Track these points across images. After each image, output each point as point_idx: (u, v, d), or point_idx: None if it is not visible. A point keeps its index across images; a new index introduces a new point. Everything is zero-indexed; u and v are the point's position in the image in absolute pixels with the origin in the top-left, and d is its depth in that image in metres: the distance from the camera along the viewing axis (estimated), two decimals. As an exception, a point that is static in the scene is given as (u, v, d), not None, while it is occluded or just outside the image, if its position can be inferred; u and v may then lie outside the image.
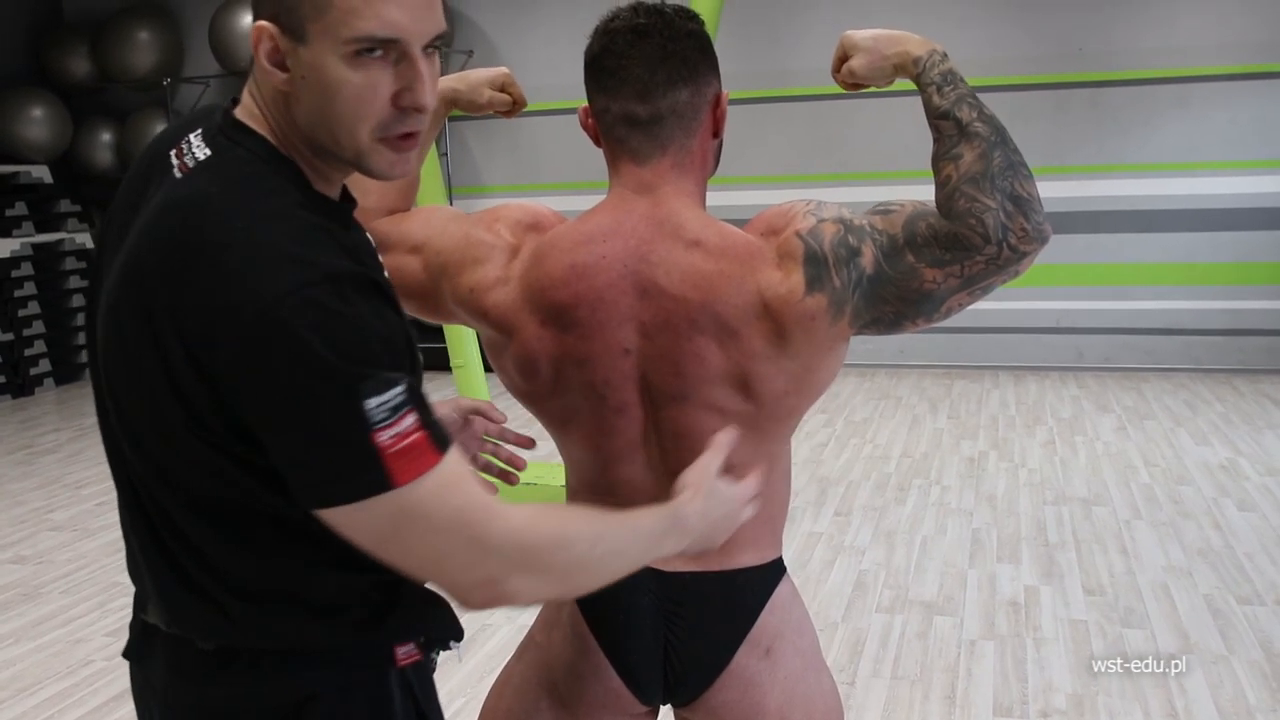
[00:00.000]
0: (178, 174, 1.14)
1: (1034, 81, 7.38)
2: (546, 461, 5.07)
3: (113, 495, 4.35)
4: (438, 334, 6.55)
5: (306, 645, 1.18)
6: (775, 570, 1.56)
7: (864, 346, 7.83)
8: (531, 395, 1.53)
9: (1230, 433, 5.92)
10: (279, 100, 1.14)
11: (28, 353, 7.89)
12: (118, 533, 1.31)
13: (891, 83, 1.55)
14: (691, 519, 1.27)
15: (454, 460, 1.10)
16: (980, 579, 4.02)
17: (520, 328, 1.48)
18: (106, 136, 8.52)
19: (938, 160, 1.42)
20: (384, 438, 1.03)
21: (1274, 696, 3.08)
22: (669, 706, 1.60)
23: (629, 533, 1.23)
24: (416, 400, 1.07)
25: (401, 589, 1.21)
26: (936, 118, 1.43)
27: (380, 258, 1.61)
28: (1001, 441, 5.88)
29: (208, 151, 1.14)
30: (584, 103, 1.51)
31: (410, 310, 1.63)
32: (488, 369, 4.27)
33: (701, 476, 1.30)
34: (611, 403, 1.47)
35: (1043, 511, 4.74)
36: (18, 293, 7.81)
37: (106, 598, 4.10)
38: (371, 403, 1.03)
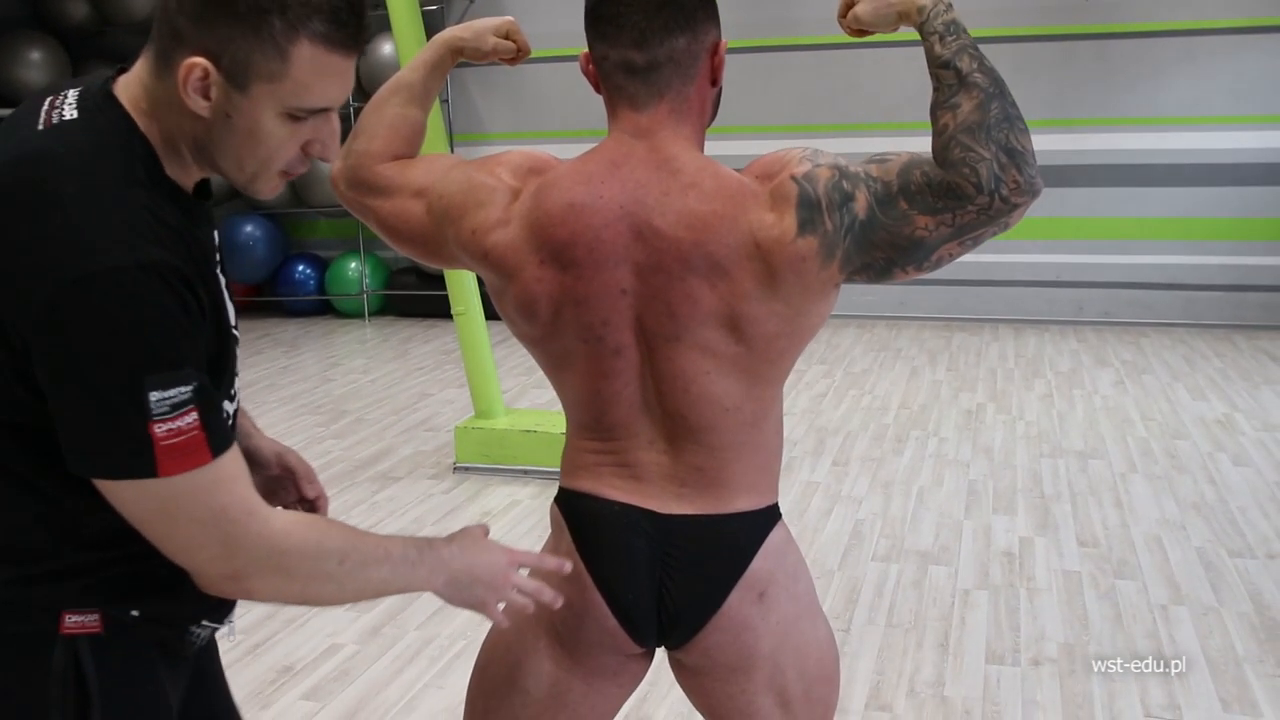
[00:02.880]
0: (40, 126, 1.18)
1: (1040, 33, 7.33)
2: (546, 409, 5.10)
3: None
4: (439, 282, 6.57)
5: None
6: (770, 515, 1.57)
7: (864, 298, 7.84)
8: (532, 338, 1.54)
9: (1227, 388, 5.94)
10: (176, 108, 1.19)
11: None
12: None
13: (895, 30, 1.54)
14: (444, 556, 1.35)
15: (228, 461, 1.16)
16: (976, 529, 4.06)
17: (520, 268, 1.49)
18: (105, 81, 8.47)
19: (936, 109, 1.42)
20: (160, 430, 1.10)
21: (1262, 647, 3.12)
22: (663, 650, 1.62)
23: (380, 555, 1.29)
24: (202, 400, 1.12)
25: (111, 564, 1.22)
26: (937, 67, 1.43)
27: (382, 201, 1.62)
28: (1000, 394, 5.90)
29: (75, 114, 1.19)
30: (586, 49, 1.51)
31: (414, 255, 1.65)
32: (489, 315, 4.28)
33: (471, 529, 1.42)
34: (609, 344, 1.48)
35: (1039, 464, 4.77)
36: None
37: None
38: (154, 395, 1.09)
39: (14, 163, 1.15)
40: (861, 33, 1.57)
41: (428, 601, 3.46)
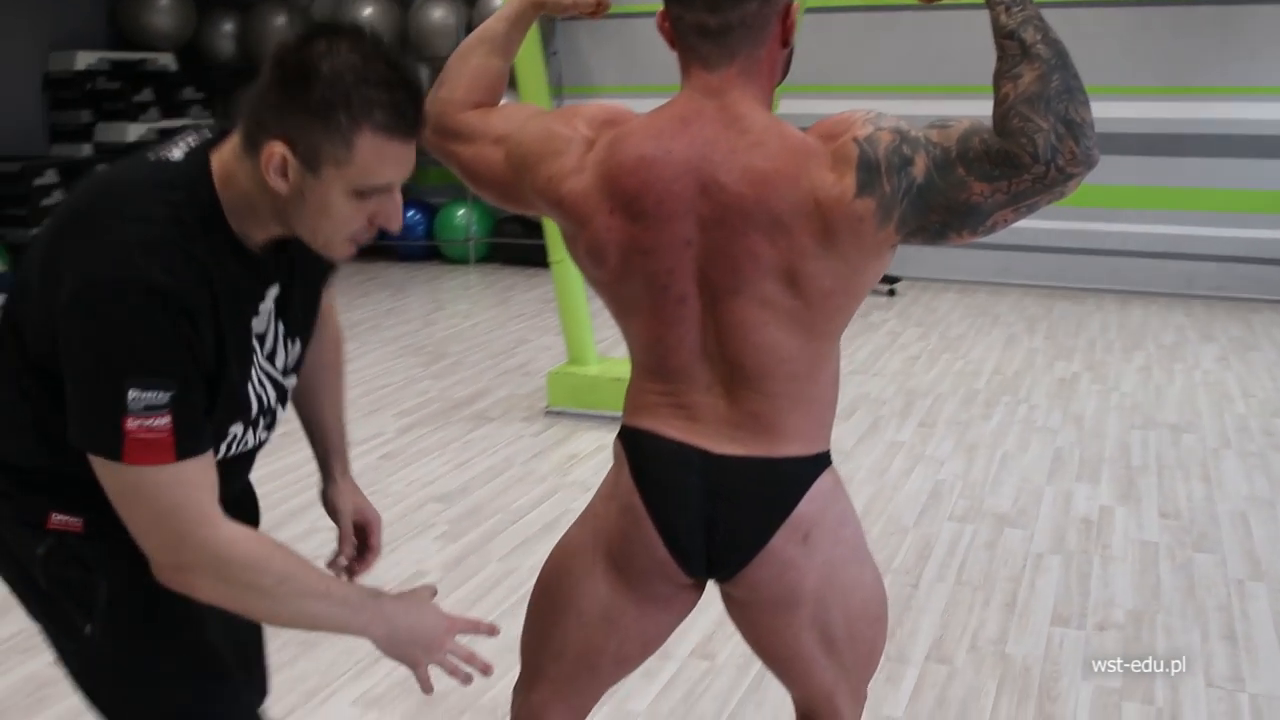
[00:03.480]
0: (152, 156, 1.44)
1: (1160, -4, 7.14)
2: (607, 355, 5.20)
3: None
4: (537, 231, 6.71)
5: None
6: (819, 462, 1.64)
7: (966, 263, 7.78)
8: (601, 282, 1.63)
9: (1336, 367, 5.79)
10: (258, 181, 1.39)
11: (152, 233, 8.23)
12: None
13: None
14: (388, 610, 1.49)
15: (192, 466, 1.36)
16: (1056, 495, 4.06)
17: (591, 216, 1.58)
18: (229, 26, 8.74)
19: (998, 78, 1.46)
20: (131, 424, 1.31)
21: (1338, 626, 3.11)
22: (713, 583, 1.72)
23: (320, 590, 1.45)
24: (180, 412, 1.33)
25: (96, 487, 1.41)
26: (1002, 36, 1.47)
27: (463, 147, 1.72)
28: (1097, 364, 5.84)
29: (178, 156, 1.44)
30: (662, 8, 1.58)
31: (492, 199, 1.75)
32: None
33: (419, 591, 1.58)
34: (673, 292, 1.56)
35: (1129, 435, 4.74)
36: (144, 175, 8.13)
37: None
38: (132, 394, 1.30)
39: (115, 179, 1.43)
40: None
41: (511, 536, 3.61)
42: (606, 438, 4.62)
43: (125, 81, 8.09)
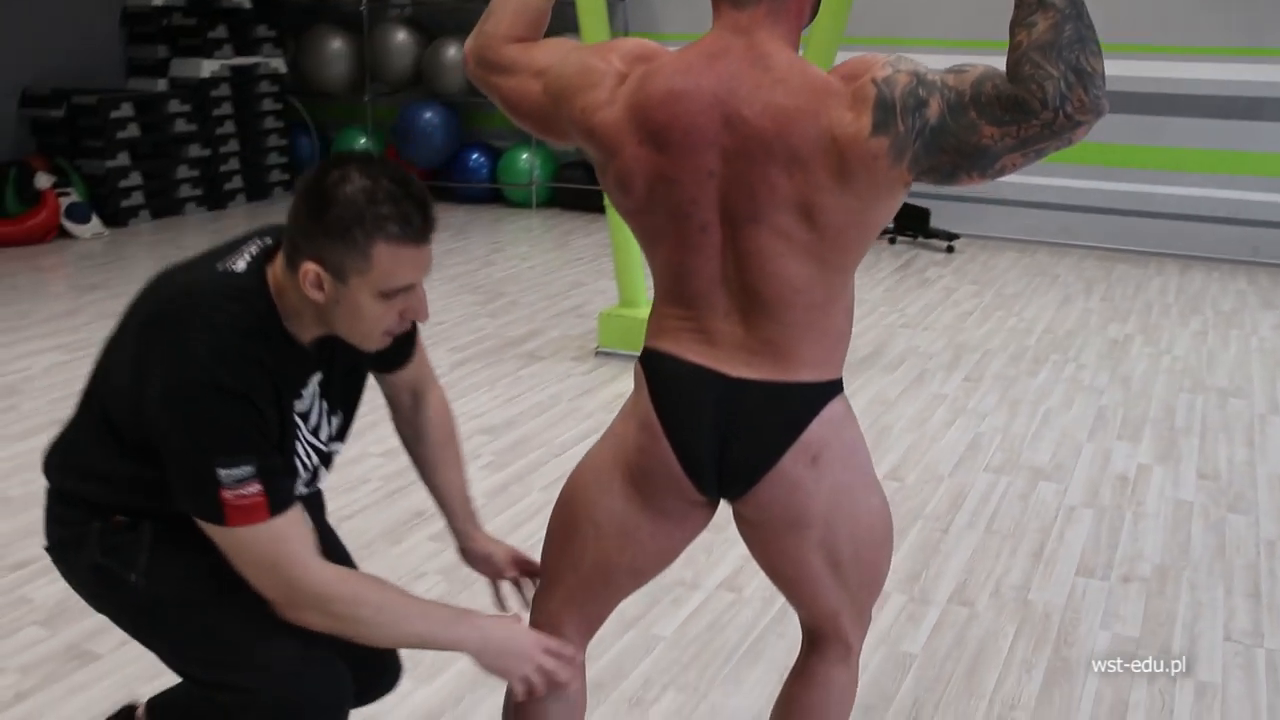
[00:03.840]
0: (220, 266, 1.69)
1: (1240, -44, 6.99)
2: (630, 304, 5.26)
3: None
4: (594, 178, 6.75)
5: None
6: (830, 389, 1.71)
7: (1026, 222, 7.73)
8: (628, 210, 1.71)
9: (1398, 339, 5.71)
10: (299, 293, 1.64)
11: (222, 169, 8.43)
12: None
13: None
14: (482, 624, 1.74)
15: (285, 521, 1.61)
16: (1095, 453, 4.09)
17: (621, 146, 1.66)
18: (305, -36, 8.86)
19: (1014, 26, 1.51)
20: (228, 495, 1.57)
21: (1365, 588, 3.12)
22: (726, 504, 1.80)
23: (418, 613, 1.71)
24: (265, 476, 1.59)
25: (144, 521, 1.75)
26: None
27: (505, 79, 1.81)
28: (1151, 327, 5.81)
29: (242, 268, 1.68)
30: None
31: (531, 129, 1.84)
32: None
33: (507, 617, 1.81)
34: (695, 221, 1.64)
35: (1176, 398, 4.73)
36: (216, 112, 8.31)
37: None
38: (222, 472, 1.57)
39: (188, 288, 1.68)
40: None
41: (553, 468, 3.72)
42: (653, 379, 4.72)
43: (201, 18, 8.25)
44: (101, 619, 2.85)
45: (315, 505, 1.94)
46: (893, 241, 7.74)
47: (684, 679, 2.67)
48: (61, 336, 5.27)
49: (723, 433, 1.69)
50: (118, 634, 2.78)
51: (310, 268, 1.59)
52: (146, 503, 1.72)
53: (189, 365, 1.59)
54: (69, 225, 7.28)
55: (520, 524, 3.37)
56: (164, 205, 8.04)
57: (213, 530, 1.62)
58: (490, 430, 4.14)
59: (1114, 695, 2.63)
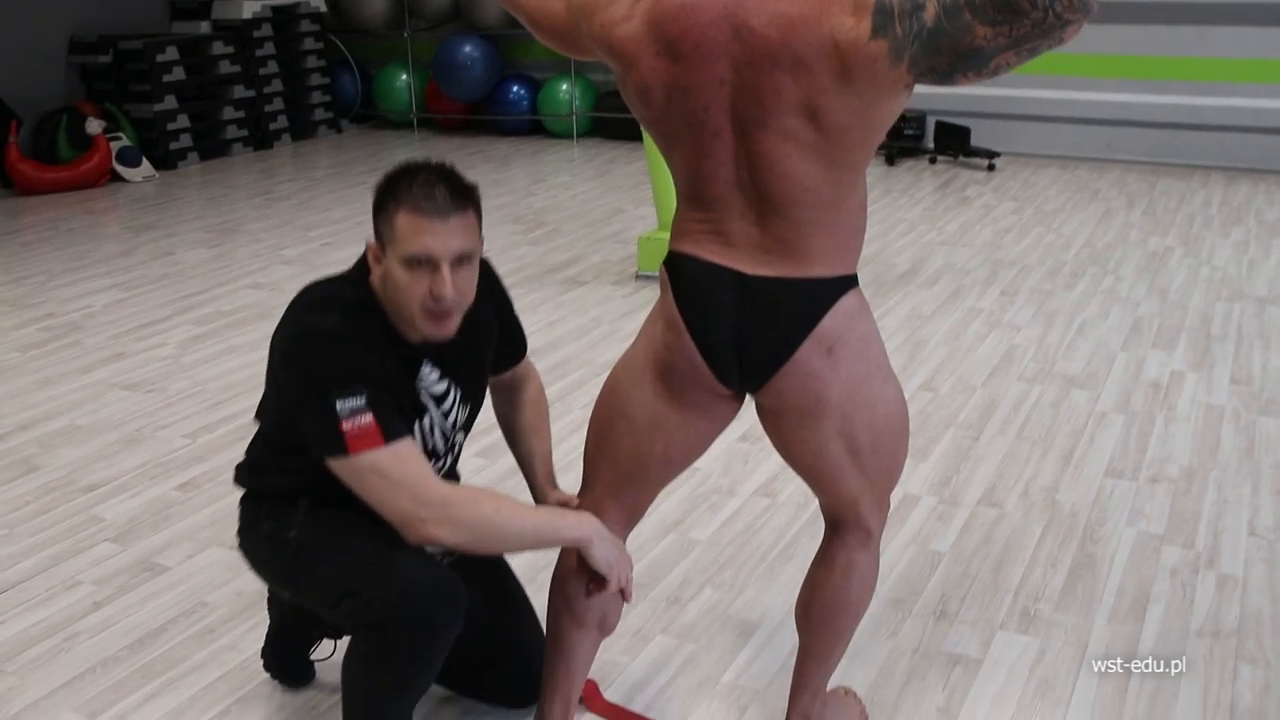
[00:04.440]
0: (342, 274, 1.98)
1: None
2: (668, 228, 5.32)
3: (338, 239, 4.92)
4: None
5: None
6: (844, 283, 1.80)
7: (1069, 139, 7.68)
8: (648, 120, 1.81)
9: None
10: (381, 283, 1.89)
11: (267, 109, 8.55)
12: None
13: None
14: (587, 517, 1.93)
15: (401, 446, 1.79)
16: (1129, 361, 4.14)
17: (639, 58, 1.75)
18: (341, -99, 8.90)
19: None
20: (345, 425, 1.76)
21: (1392, 484, 3.17)
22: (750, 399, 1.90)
23: (528, 511, 1.92)
24: (375, 407, 1.78)
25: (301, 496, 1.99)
26: None
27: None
28: (1192, 239, 5.80)
29: (351, 268, 1.97)
30: None
31: (553, 46, 1.95)
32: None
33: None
34: (709, 127, 1.73)
35: (1213, 307, 4.75)
36: (258, 53, 8.42)
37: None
38: (338, 404, 1.77)
39: (307, 290, 1.95)
40: None
41: (594, 387, 3.83)
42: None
43: (240, -42, 8.34)
44: (169, 534, 3.02)
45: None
46: (933, 161, 7.73)
47: (720, 578, 2.80)
48: (118, 275, 5.45)
49: (741, 327, 1.79)
50: (185, 548, 2.96)
51: (371, 243, 1.87)
52: (306, 485, 1.94)
53: (302, 327, 1.85)
54: (120, 169, 7.46)
55: (562, 439, 3.49)
56: (211, 147, 8.19)
57: (339, 466, 1.80)
58: (533, 353, 4.21)
59: (1136, 589, 2.72)
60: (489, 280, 2.10)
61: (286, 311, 1.91)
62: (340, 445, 1.77)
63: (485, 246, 2.00)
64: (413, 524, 1.79)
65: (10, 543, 3.00)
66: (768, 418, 1.91)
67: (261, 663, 2.41)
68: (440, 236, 1.79)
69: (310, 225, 6.31)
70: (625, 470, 1.97)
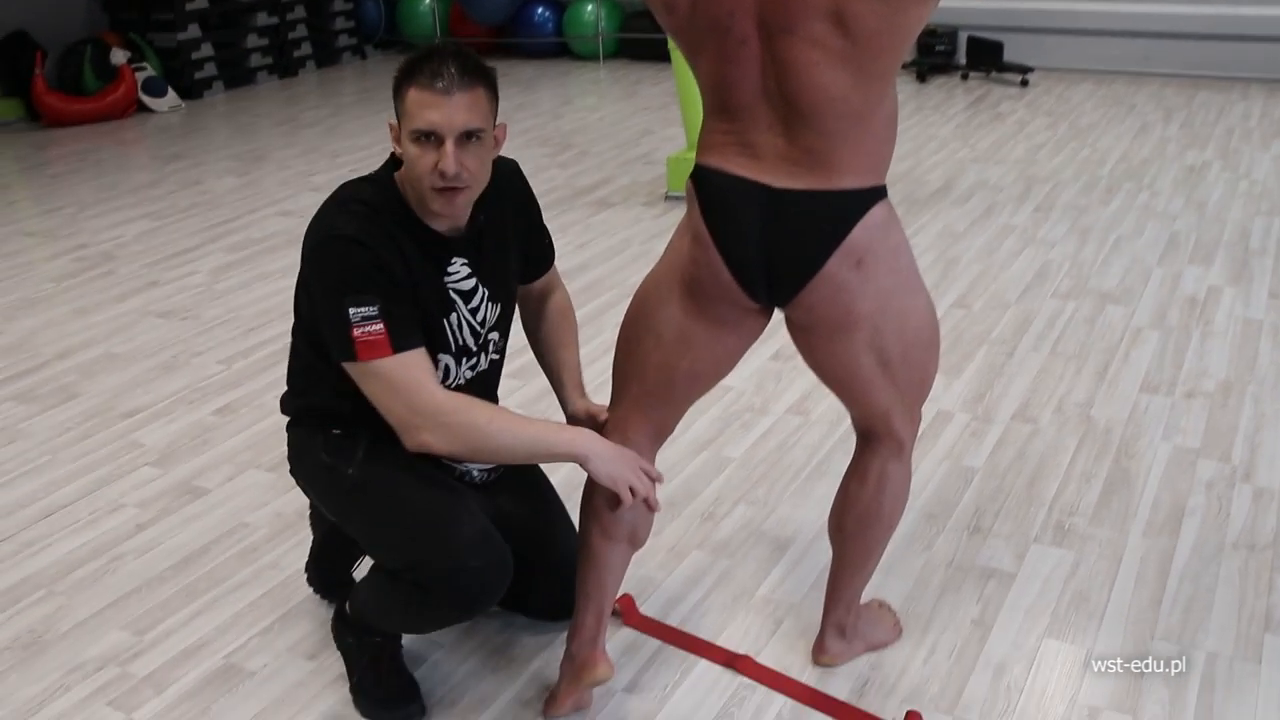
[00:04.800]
0: (370, 173, 2.00)
1: None
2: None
3: (365, 165, 4.85)
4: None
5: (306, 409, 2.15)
6: (874, 194, 1.77)
7: (1105, 52, 7.53)
8: (674, 28, 1.78)
9: None
10: (405, 170, 1.90)
11: (291, 36, 8.49)
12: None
13: None
14: (587, 432, 1.91)
15: (408, 356, 1.83)
16: (1165, 276, 4.09)
17: None
18: None
19: None
20: (357, 333, 1.81)
21: None
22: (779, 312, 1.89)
23: (523, 422, 1.90)
24: (387, 318, 1.82)
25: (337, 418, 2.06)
26: None
27: None
28: (1231, 152, 5.69)
29: (380, 168, 1.98)
30: None
31: None
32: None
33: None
34: (735, 34, 1.70)
35: (1252, 221, 4.67)
36: (283, -23, 8.35)
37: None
38: (351, 310, 1.81)
39: (338, 190, 1.96)
40: None
41: (623, 310, 3.82)
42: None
43: (260, -119, 8.23)
44: (208, 458, 3.06)
45: (482, 393, 2.07)
46: (965, 78, 7.60)
47: (754, 495, 2.81)
48: (148, 205, 5.46)
49: (768, 241, 1.77)
50: (225, 471, 3.00)
51: (392, 124, 1.90)
52: (355, 413, 1.95)
53: (325, 230, 1.88)
54: (146, 99, 7.44)
55: (593, 360, 3.49)
56: (236, 75, 8.16)
57: (349, 369, 1.86)
58: (564, 275, 4.24)
59: (1172, 502, 2.71)
60: (519, 184, 2.12)
61: (316, 212, 1.94)
62: (350, 351, 1.83)
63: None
64: (407, 429, 1.85)
65: (53, 468, 3.05)
66: (797, 332, 1.90)
67: (305, 577, 2.46)
68: (444, 110, 1.80)
69: (337, 152, 6.29)
70: (653, 385, 1.97)
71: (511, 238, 2.10)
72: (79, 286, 4.42)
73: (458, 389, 2.02)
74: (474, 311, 2.02)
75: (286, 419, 2.18)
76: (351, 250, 1.83)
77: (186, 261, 4.66)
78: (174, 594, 2.50)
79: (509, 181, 2.09)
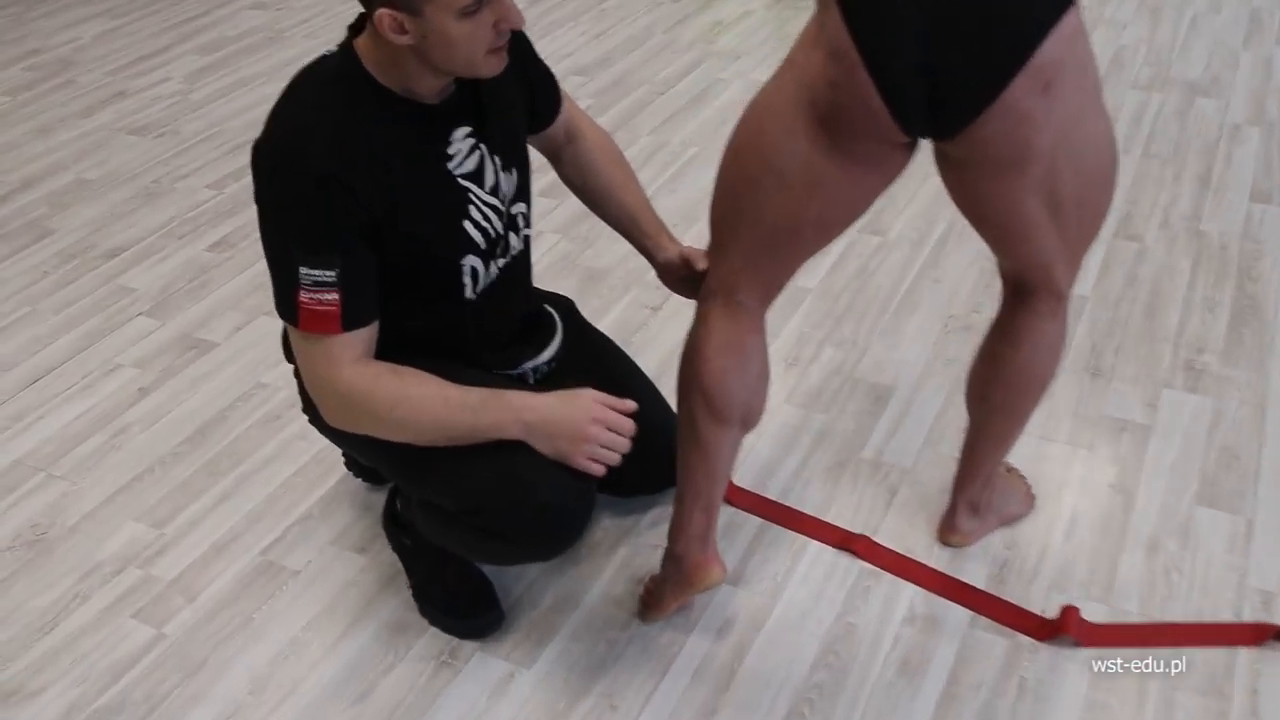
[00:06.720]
0: (325, 52, 1.57)
1: None
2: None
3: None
4: None
5: None
6: (1068, -2, 1.38)
7: None
8: None
9: None
10: (393, 49, 1.49)
11: None
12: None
13: None
14: (515, 405, 1.55)
15: (352, 336, 1.51)
16: (1255, 61, 3.68)
17: None
18: None
19: None
20: (304, 296, 1.48)
21: None
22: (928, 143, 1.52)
23: (438, 402, 1.54)
24: (344, 289, 1.48)
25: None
26: None
27: None
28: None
29: (335, 50, 1.55)
30: None
31: None
32: None
33: (581, 391, 1.59)
34: None
35: (1336, -8, 4.23)
36: None
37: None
38: (304, 271, 1.47)
39: (295, 80, 1.55)
40: None
41: (659, 109, 3.41)
42: (753, 1, 4.29)
43: None
44: (210, 304, 2.70)
45: (516, 284, 1.78)
46: None
47: (839, 334, 2.48)
48: (104, 1, 4.89)
49: (934, 56, 1.38)
50: (231, 319, 2.65)
51: (384, 14, 1.44)
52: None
53: (288, 149, 1.48)
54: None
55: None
56: None
57: (283, 322, 1.55)
58: (584, 70, 3.80)
59: (1307, 330, 2.42)
60: None
61: (273, 110, 1.52)
62: (292, 314, 1.50)
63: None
64: (319, 404, 1.58)
65: (35, 321, 2.69)
66: (953, 169, 1.53)
67: (343, 460, 2.15)
68: None
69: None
70: (770, 236, 1.60)
71: (511, 79, 1.67)
72: (36, 100, 3.93)
73: (489, 292, 1.70)
74: (493, 191, 1.65)
75: (293, 366, 1.73)
76: (317, 196, 1.45)
77: (155, 67, 4.16)
78: (192, 474, 2.19)
79: None
